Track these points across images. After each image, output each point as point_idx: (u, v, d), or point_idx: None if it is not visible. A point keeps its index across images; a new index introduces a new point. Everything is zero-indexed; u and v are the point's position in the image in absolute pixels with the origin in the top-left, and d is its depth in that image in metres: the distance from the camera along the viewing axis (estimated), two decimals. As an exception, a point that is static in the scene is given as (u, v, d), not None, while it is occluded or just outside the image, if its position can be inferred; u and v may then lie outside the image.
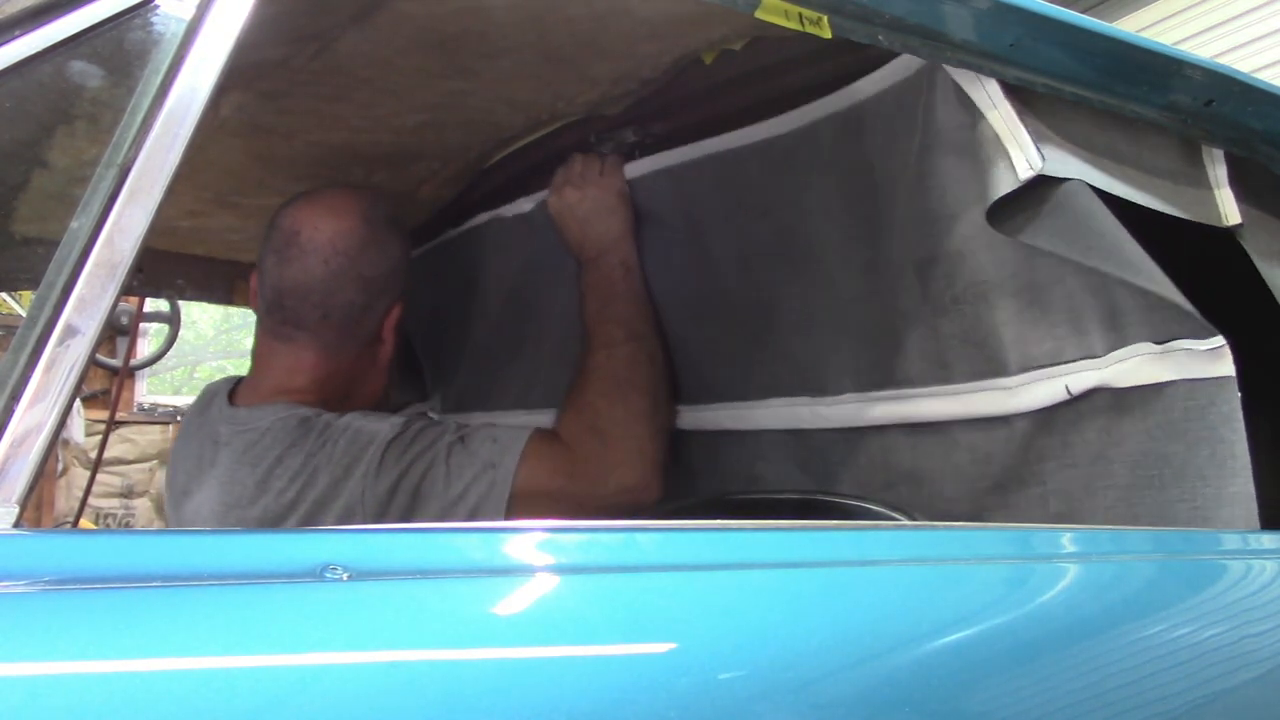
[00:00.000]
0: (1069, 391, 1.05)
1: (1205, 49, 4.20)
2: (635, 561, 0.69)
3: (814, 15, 0.90)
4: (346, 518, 1.17)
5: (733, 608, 0.69)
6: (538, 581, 0.66)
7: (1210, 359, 0.97)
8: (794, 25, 0.89)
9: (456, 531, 0.73)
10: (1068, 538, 0.92)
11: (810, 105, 1.21)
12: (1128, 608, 0.87)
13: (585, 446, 1.25)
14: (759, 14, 0.87)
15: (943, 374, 1.16)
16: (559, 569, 0.67)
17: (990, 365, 1.11)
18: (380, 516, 1.17)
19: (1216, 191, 1.12)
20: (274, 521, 1.19)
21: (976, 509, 1.15)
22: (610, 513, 1.25)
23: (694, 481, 1.46)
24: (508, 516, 1.18)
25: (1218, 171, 1.12)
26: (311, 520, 1.18)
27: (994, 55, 0.96)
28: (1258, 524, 0.96)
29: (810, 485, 1.33)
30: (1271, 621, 0.94)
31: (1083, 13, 1.00)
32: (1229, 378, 0.96)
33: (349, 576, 0.58)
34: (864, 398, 1.23)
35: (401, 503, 1.17)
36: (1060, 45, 0.98)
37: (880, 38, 0.93)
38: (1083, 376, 1.04)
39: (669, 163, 1.38)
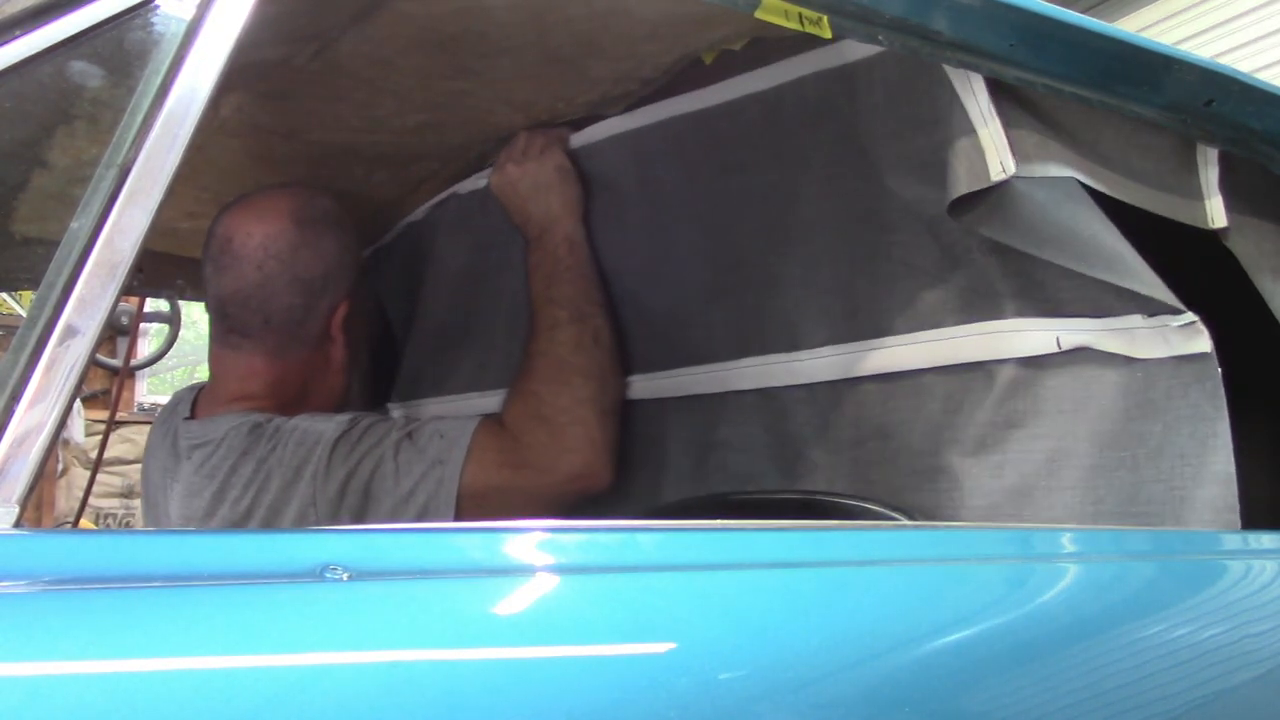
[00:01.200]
0: (1059, 344, 1.04)
1: (1205, 49, 4.20)
2: (635, 561, 0.69)
3: (814, 15, 0.90)
4: (300, 521, 1.16)
5: (733, 608, 0.69)
6: (538, 581, 0.66)
7: (1187, 335, 0.97)
8: (794, 25, 0.89)
9: (456, 531, 0.73)
10: (1068, 538, 0.92)
11: (797, 58, 1.20)
12: (1128, 608, 0.87)
13: (531, 435, 1.24)
14: (759, 14, 0.87)
15: (935, 319, 1.14)
16: (559, 569, 0.67)
17: (988, 311, 1.10)
18: (333, 517, 1.16)
19: (1205, 193, 1.12)
20: None
21: (935, 466, 1.13)
22: (561, 501, 1.23)
23: (660, 448, 1.43)
24: (458, 511, 1.17)
25: (1209, 174, 1.12)
26: (268, 526, 1.17)
27: (994, 55, 0.97)
28: (1237, 505, 0.95)
29: (776, 446, 1.30)
30: (1271, 621, 0.94)
31: (1083, 13, 1.01)
32: (1208, 354, 0.96)
33: (349, 576, 0.58)
34: (843, 349, 1.22)
35: (352, 502, 1.17)
36: (1060, 45, 0.98)
37: (880, 38, 0.93)
38: (1076, 334, 1.04)
39: (631, 125, 1.37)
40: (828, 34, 0.91)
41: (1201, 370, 0.97)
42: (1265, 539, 0.99)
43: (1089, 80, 1.01)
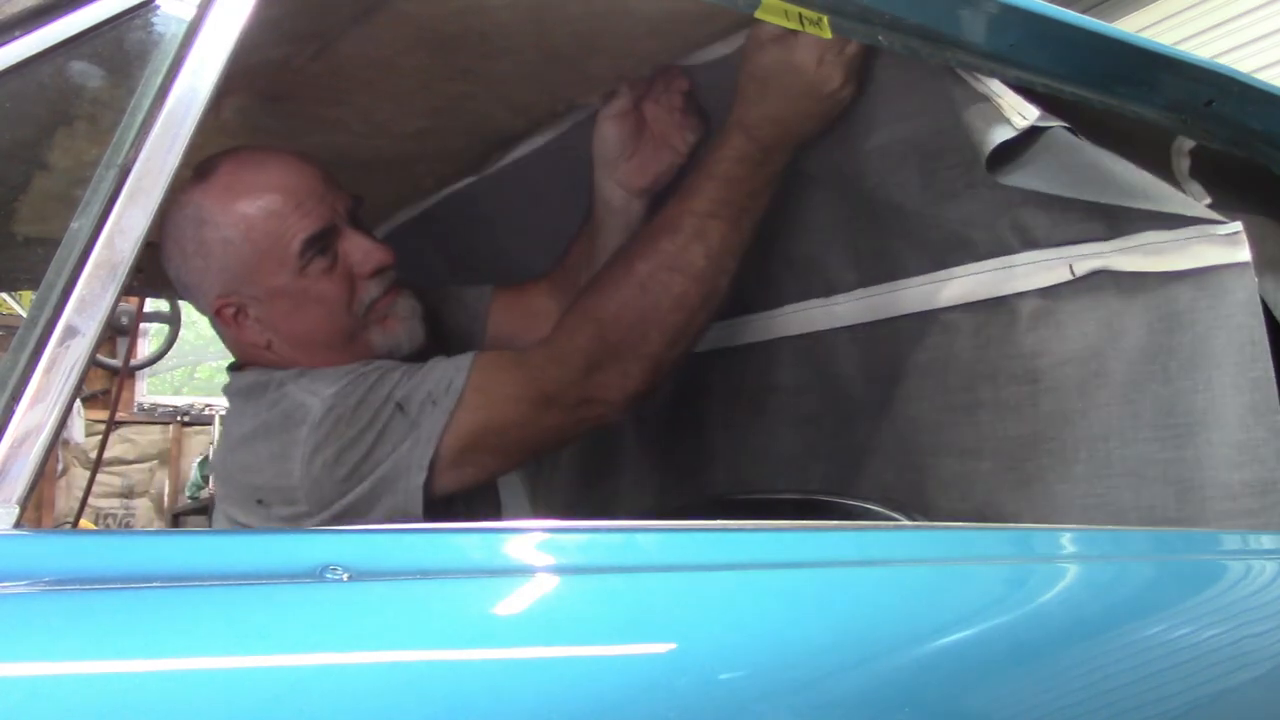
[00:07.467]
0: (1072, 272, 1.06)
1: (1205, 49, 4.20)
2: (635, 561, 0.69)
3: (814, 15, 0.90)
4: (293, 492, 1.13)
5: (733, 608, 0.69)
6: (538, 581, 0.66)
7: (1226, 244, 0.97)
8: (794, 25, 0.89)
9: (456, 532, 0.73)
10: (1068, 538, 0.92)
11: None
12: (1128, 608, 0.87)
13: (579, 337, 1.17)
14: (759, 14, 0.87)
15: (947, 258, 1.18)
16: (559, 569, 0.67)
17: (997, 247, 1.13)
18: (322, 498, 1.12)
19: (1190, 192, 1.13)
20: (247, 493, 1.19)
21: (974, 400, 1.16)
22: (577, 422, 1.19)
23: (714, 399, 1.49)
24: (456, 412, 1.12)
25: (1185, 169, 1.14)
26: (276, 483, 1.15)
27: (994, 55, 0.97)
28: (1279, 407, 0.95)
29: (828, 387, 1.35)
30: (1271, 622, 0.94)
31: (1083, 13, 1.01)
32: (1245, 264, 0.96)
33: (349, 576, 0.58)
34: (871, 291, 1.27)
35: (341, 474, 1.12)
36: (1060, 45, 0.98)
37: (880, 38, 0.93)
38: (1087, 260, 1.05)
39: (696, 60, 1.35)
40: (828, 34, 0.91)
41: (1235, 280, 0.97)
42: (1265, 539, 0.99)
43: (1089, 80, 1.01)
